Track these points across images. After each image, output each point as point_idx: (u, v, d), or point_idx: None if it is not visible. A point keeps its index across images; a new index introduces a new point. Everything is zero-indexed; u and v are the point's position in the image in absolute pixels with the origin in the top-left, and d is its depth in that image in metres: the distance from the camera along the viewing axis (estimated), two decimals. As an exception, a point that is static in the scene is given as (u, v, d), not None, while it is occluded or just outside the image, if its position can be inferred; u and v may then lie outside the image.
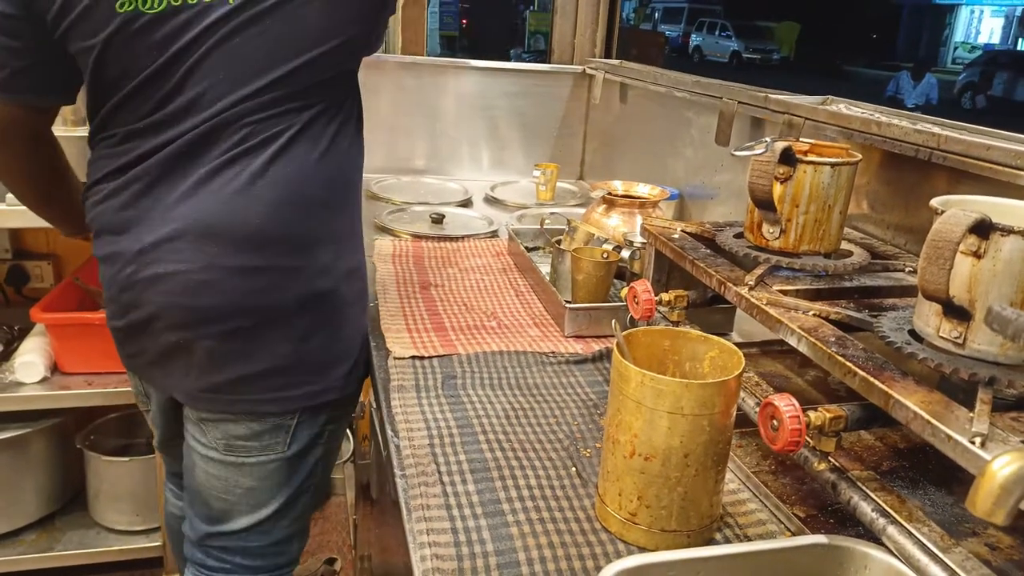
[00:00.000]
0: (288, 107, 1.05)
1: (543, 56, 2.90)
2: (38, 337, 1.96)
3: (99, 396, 1.90)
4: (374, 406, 1.28)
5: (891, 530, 0.73)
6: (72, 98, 1.19)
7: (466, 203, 2.19)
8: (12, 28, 1.04)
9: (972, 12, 25.10)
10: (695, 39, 23.26)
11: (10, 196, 1.70)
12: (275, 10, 1.02)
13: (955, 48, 24.29)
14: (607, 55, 2.67)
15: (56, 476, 2.10)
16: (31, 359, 1.88)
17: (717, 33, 22.71)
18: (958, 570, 0.66)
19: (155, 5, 1.01)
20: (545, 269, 1.56)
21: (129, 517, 2.09)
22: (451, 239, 1.84)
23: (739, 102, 1.67)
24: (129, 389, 1.89)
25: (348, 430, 1.73)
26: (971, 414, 0.68)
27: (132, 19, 1.01)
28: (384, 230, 1.86)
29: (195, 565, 1.28)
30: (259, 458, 1.18)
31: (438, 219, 1.93)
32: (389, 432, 1.02)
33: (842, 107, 1.46)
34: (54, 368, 1.93)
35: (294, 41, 1.03)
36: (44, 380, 1.89)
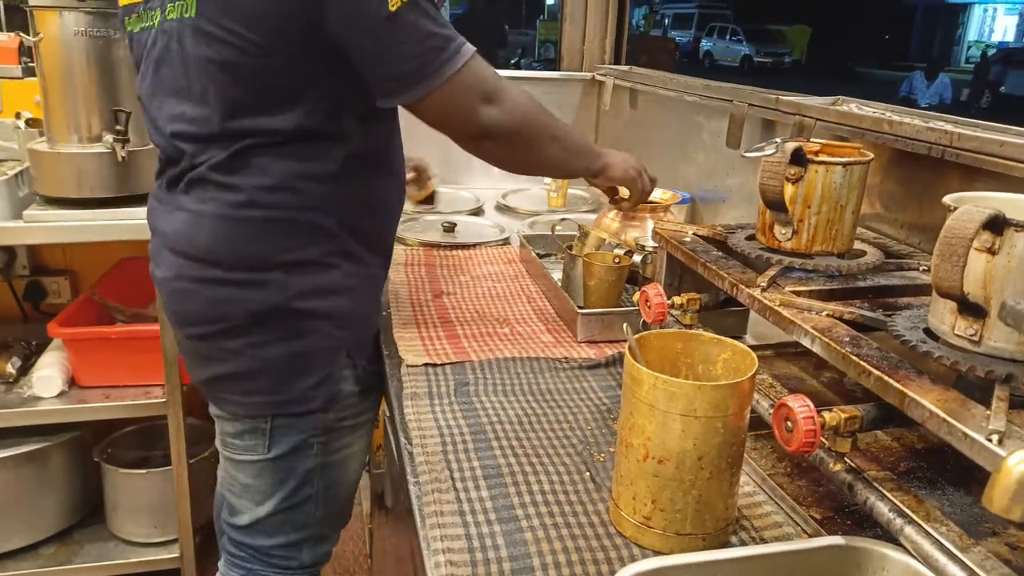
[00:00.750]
0: (224, 136, 1.10)
1: (553, 64, 2.91)
2: (56, 352, 1.98)
3: (116, 409, 1.91)
4: (387, 414, 1.28)
5: (909, 530, 0.72)
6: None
7: (477, 211, 2.20)
8: None
9: (985, 11, 24.93)
10: (705, 44, 23.24)
11: (27, 212, 1.72)
12: (171, 40, 1.11)
13: (969, 47, 24.12)
14: (616, 62, 2.67)
15: (74, 489, 2.11)
16: (49, 373, 1.90)
17: (728, 38, 22.68)
18: (977, 570, 0.65)
19: (133, 26, 1.18)
20: (557, 275, 1.55)
21: (147, 529, 2.10)
22: (463, 247, 1.84)
23: (750, 104, 1.67)
24: (145, 402, 1.92)
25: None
26: (988, 412, 0.67)
27: (130, 40, 1.19)
28: (396, 239, 1.86)
29: (224, 551, 1.36)
30: (245, 456, 1.24)
31: (450, 228, 1.94)
32: (402, 440, 1.02)
33: (853, 107, 1.45)
34: (72, 382, 1.95)
35: (187, 73, 1.11)
36: (62, 394, 1.91)
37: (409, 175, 1.58)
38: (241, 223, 1.12)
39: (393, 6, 1.01)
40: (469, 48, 1.08)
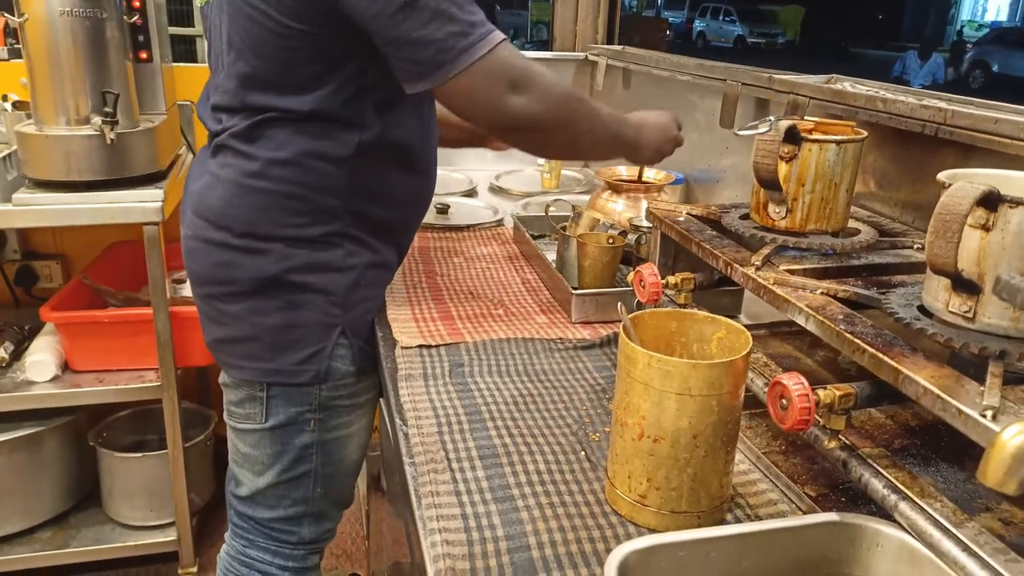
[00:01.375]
0: (245, 108, 1.15)
1: (546, 46, 2.89)
2: (48, 336, 1.97)
3: (110, 393, 1.91)
4: (382, 396, 1.28)
5: (903, 506, 0.72)
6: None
7: (471, 193, 2.19)
8: None
9: (978, -10, 24.86)
10: (698, 24, 23.09)
11: (16, 196, 1.70)
12: (215, 11, 1.16)
13: (961, 27, 24.05)
14: (609, 42, 2.65)
15: (70, 473, 2.11)
16: (42, 358, 1.89)
17: (721, 18, 22.54)
18: (972, 544, 0.66)
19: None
20: (551, 256, 1.55)
21: (143, 512, 2.10)
22: (456, 229, 1.83)
23: (743, 83, 1.66)
24: (139, 386, 1.92)
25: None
26: (982, 388, 0.67)
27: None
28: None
29: (229, 522, 1.39)
30: (243, 425, 1.27)
31: (443, 209, 1.93)
32: (398, 421, 1.02)
33: (847, 85, 1.45)
34: (65, 366, 1.95)
35: (222, 43, 1.16)
36: (55, 379, 1.91)
37: None
38: (251, 191, 1.16)
39: None
40: (497, 35, 1.06)
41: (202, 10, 1.28)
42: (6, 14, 1.68)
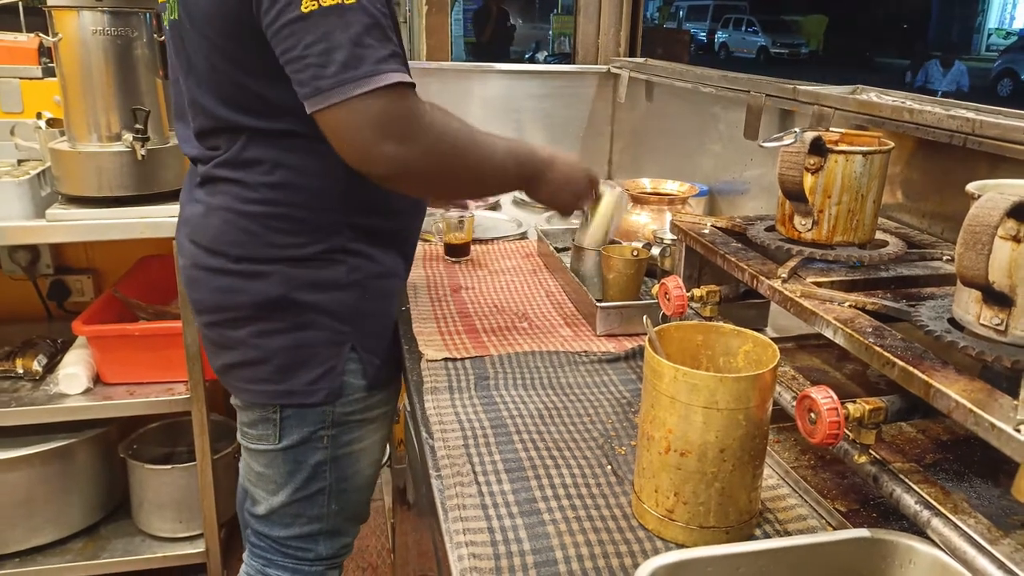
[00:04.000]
0: (225, 134, 1.14)
1: (568, 58, 2.90)
2: (80, 349, 2.00)
3: (141, 406, 1.94)
4: (408, 409, 1.29)
5: (936, 523, 0.71)
6: None
7: (495, 206, 2.19)
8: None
9: (1006, -3, 24.55)
10: (721, 36, 23.05)
11: (50, 211, 1.74)
12: (175, 37, 1.15)
13: (989, 35, 23.75)
14: (631, 54, 2.66)
15: (101, 485, 2.14)
16: (74, 371, 1.92)
17: (743, 29, 22.48)
18: (1007, 562, 0.65)
19: (165, 19, 1.18)
20: (575, 269, 1.55)
21: (173, 524, 2.12)
22: (481, 242, 1.84)
23: (767, 95, 1.66)
24: (168, 398, 1.95)
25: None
26: (1015, 402, 0.66)
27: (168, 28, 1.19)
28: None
29: (247, 541, 1.39)
30: (258, 445, 1.26)
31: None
32: (424, 434, 1.03)
33: (872, 96, 1.44)
34: (96, 379, 1.97)
35: (192, 70, 1.14)
36: (87, 391, 1.93)
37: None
38: (245, 217, 1.15)
39: (306, 8, 0.95)
40: (389, 77, 0.97)
41: (166, 29, 1.21)
42: (41, 34, 1.72)
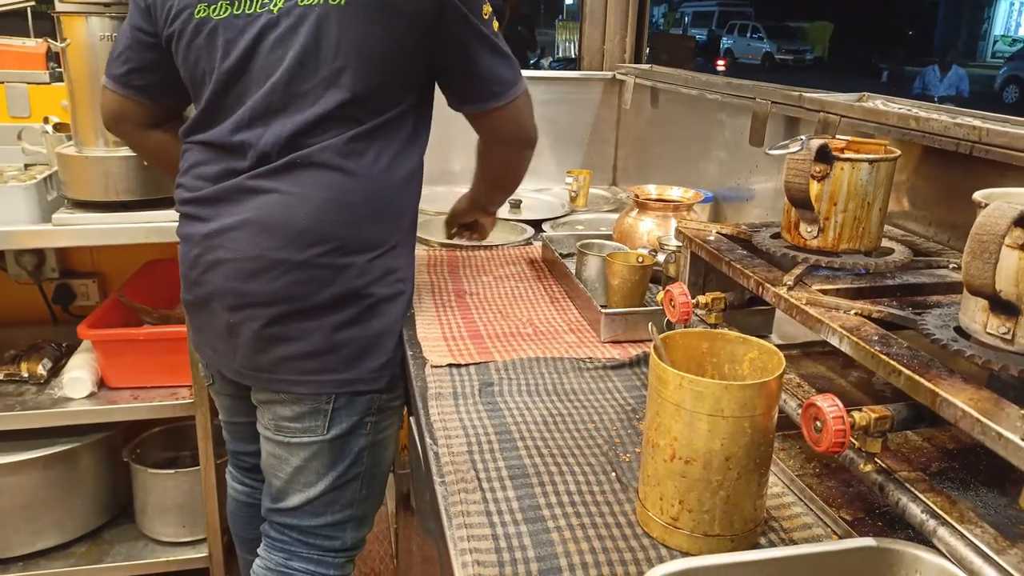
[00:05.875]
0: (328, 124, 1.18)
1: (572, 64, 2.90)
2: (85, 353, 2.00)
3: (145, 410, 1.94)
4: (412, 415, 1.28)
5: (942, 532, 0.71)
6: (182, 104, 1.40)
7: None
8: (146, 43, 1.29)
9: (1012, 4, 24.51)
10: (726, 42, 23.06)
11: (56, 216, 1.75)
12: (302, 24, 1.15)
13: (995, 42, 23.72)
14: (637, 60, 2.66)
15: (104, 489, 2.14)
16: (79, 375, 1.92)
17: (748, 35, 22.49)
18: (1014, 572, 0.64)
19: (220, 12, 1.19)
20: (580, 275, 1.55)
21: (176, 529, 2.12)
22: (485, 247, 1.84)
23: (773, 102, 1.66)
24: (172, 402, 1.95)
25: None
26: (1022, 411, 0.66)
27: (197, 27, 1.20)
28: (419, 240, 1.86)
29: (265, 537, 1.39)
30: (302, 439, 1.27)
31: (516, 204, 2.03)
32: (428, 440, 1.03)
33: (879, 103, 1.44)
34: (101, 383, 1.98)
35: (320, 57, 1.17)
36: (91, 395, 1.93)
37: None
38: (344, 206, 1.19)
39: (496, 27, 1.24)
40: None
41: (216, 23, 1.19)
42: (49, 39, 1.73)
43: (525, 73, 2.48)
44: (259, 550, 1.40)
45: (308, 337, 1.21)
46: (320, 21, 1.14)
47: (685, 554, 0.79)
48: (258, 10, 1.17)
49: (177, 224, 1.33)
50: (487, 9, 1.23)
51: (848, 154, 1.03)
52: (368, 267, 1.22)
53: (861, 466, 0.80)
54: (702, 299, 1.10)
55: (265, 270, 1.18)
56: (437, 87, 1.32)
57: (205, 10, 1.19)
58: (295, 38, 1.15)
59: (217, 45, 1.20)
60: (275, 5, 1.16)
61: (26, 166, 1.95)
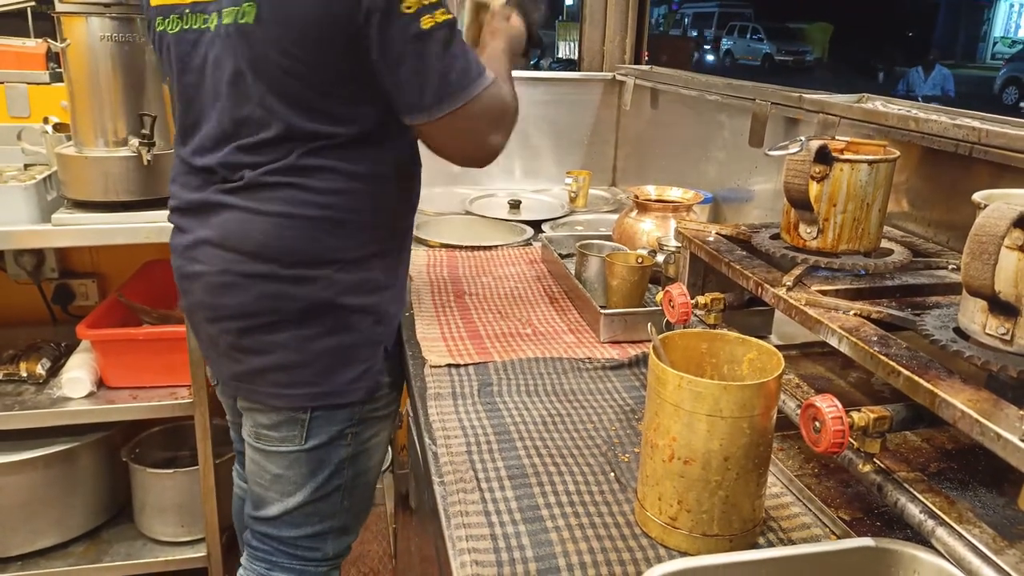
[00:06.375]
0: (277, 146, 1.14)
1: (572, 65, 2.90)
2: (84, 353, 2.00)
3: (144, 410, 1.93)
4: (411, 415, 1.29)
5: (940, 532, 0.71)
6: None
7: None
8: None
9: (1012, 6, 24.52)
10: (726, 43, 23.05)
11: (56, 216, 1.75)
12: (228, 45, 1.11)
13: (994, 43, 23.73)
14: (636, 61, 2.66)
15: (103, 489, 2.14)
16: (78, 375, 1.92)
17: (748, 36, 22.49)
18: (1012, 572, 0.64)
19: (170, 27, 1.18)
20: (579, 276, 1.55)
21: (175, 528, 2.12)
22: (485, 248, 1.84)
23: (772, 103, 1.66)
24: (171, 402, 1.95)
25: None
26: (1021, 412, 0.66)
27: (160, 39, 1.19)
28: (418, 241, 1.87)
29: (247, 546, 1.38)
30: (280, 448, 1.26)
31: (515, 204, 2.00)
32: (427, 440, 1.03)
33: (878, 104, 1.44)
34: (100, 383, 1.97)
35: (248, 82, 1.12)
36: (90, 395, 1.93)
37: None
38: (301, 221, 1.16)
39: (426, 24, 1.05)
40: (489, 75, 1.14)
41: (171, 37, 1.19)
42: (49, 39, 1.73)
43: (525, 73, 2.48)
44: (241, 559, 1.38)
45: (280, 350, 1.20)
46: (246, 42, 1.10)
47: (684, 554, 0.79)
48: (200, 26, 1.15)
49: None
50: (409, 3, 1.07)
51: (847, 155, 1.03)
52: (337, 279, 1.18)
53: (860, 466, 0.80)
54: (701, 300, 1.10)
55: (233, 284, 1.18)
56: None
57: (162, 23, 1.20)
58: (228, 59, 1.12)
59: (172, 60, 1.20)
60: (211, 23, 1.13)
61: (26, 166, 1.95)
